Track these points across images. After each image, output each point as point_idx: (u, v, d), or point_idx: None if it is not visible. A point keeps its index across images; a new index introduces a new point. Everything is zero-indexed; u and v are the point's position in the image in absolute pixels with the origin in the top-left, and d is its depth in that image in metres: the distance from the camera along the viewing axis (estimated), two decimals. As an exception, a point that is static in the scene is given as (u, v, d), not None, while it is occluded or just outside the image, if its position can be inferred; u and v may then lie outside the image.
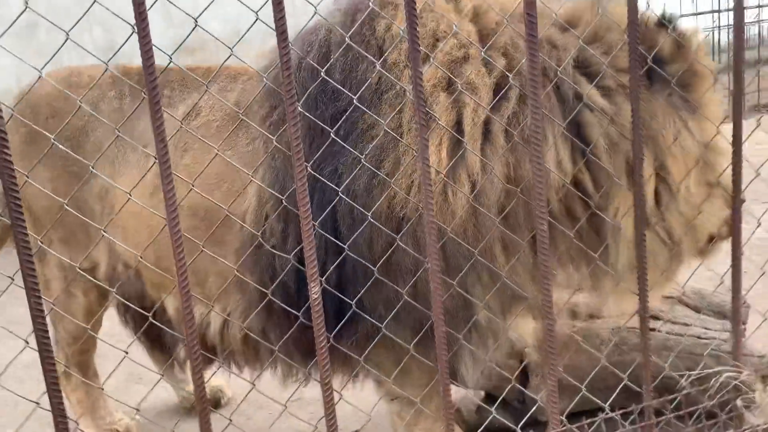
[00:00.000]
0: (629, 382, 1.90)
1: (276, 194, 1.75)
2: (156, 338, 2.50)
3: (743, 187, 1.84)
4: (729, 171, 1.81)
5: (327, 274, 1.70)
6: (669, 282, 1.91)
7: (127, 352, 1.73)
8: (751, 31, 11.57)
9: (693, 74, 1.73)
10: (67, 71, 2.35)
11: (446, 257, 1.63)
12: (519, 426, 1.89)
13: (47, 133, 1.74)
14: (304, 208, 1.40)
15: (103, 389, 2.66)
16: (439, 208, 1.60)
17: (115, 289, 2.10)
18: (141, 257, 1.75)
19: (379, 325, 1.71)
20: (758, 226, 2.09)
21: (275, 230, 1.85)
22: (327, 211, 1.71)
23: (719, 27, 9.28)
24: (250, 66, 1.97)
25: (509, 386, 2.04)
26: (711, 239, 1.86)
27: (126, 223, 2.13)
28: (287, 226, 1.82)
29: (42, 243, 2.12)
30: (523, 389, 2.20)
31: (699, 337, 2.16)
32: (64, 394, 2.61)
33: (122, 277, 2.25)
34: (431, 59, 1.64)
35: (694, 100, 1.73)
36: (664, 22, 1.68)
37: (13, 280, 1.41)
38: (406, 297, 1.66)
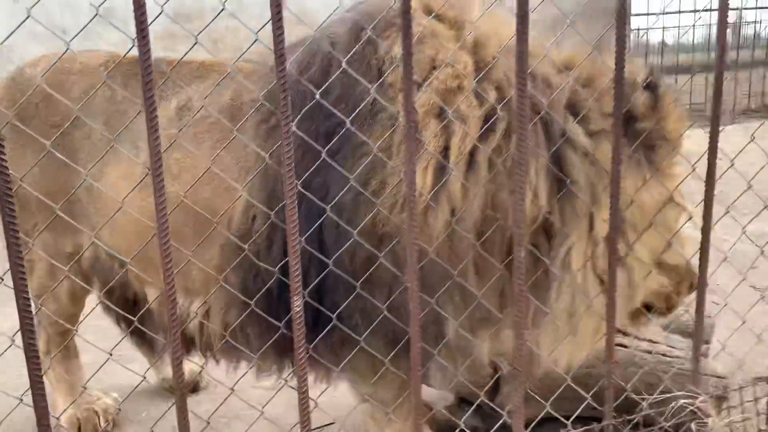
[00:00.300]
0: (595, 396, 2.00)
1: (262, 207, 1.82)
2: (138, 330, 2.44)
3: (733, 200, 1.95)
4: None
5: (310, 286, 1.77)
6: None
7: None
8: (747, 31, 11.60)
9: (659, 137, 1.80)
10: (62, 57, 2.22)
11: (422, 275, 1.69)
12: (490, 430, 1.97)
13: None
14: (292, 225, 1.45)
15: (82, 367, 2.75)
16: (419, 228, 1.65)
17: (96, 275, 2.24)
18: (130, 263, 1.80)
19: (356, 337, 1.79)
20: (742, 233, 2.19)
21: (261, 233, 1.89)
22: (313, 222, 1.77)
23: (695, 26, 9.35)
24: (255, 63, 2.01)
25: (482, 393, 2.13)
26: (648, 308, 1.95)
27: (111, 213, 2.08)
28: (273, 230, 1.86)
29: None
30: (493, 398, 2.29)
31: (664, 355, 2.26)
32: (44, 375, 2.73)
33: (106, 266, 2.28)
34: (425, 86, 1.69)
35: (656, 163, 1.80)
36: (643, 81, 1.75)
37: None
38: (384, 312, 1.74)
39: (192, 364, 2.93)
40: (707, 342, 2.39)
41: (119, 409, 2.75)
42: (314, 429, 2.46)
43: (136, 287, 2.32)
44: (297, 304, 1.49)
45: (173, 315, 1.40)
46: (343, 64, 1.59)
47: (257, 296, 1.87)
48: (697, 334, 1.93)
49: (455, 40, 1.79)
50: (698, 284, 1.96)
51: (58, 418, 2.64)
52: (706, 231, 1.90)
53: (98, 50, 2.46)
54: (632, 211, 1.77)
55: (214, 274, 1.92)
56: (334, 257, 1.75)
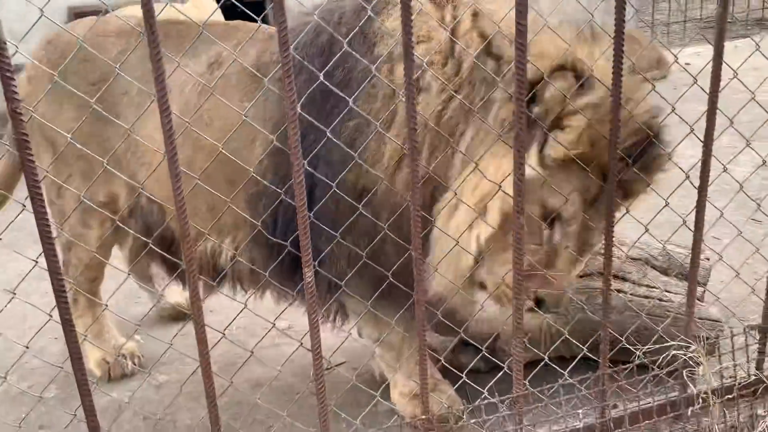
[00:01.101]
0: (592, 347, 2.10)
1: (269, 186, 2.02)
2: (172, 266, 2.67)
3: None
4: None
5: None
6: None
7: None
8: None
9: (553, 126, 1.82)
10: (101, 20, 2.48)
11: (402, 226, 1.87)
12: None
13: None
14: (300, 202, 1.48)
15: (107, 306, 2.89)
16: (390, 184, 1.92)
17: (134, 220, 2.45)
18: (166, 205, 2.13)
19: (336, 280, 2.06)
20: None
21: (273, 182, 2.06)
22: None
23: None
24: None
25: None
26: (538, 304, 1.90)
27: (151, 160, 2.33)
28: (284, 178, 2.05)
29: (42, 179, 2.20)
30: (494, 340, 2.39)
31: (660, 300, 2.33)
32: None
33: (146, 210, 2.46)
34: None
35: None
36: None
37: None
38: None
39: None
40: (704, 285, 2.46)
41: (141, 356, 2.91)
42: (327, 368, 2.60)
43: (172, 228, 2.47)
44: (309, 274, 1.55)
45: (187, 236, 1.51)
46: (345, 45, 1.74)
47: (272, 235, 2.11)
48: (692, 279, 1.98)
49: (439, 20, 1.91)
50: (695, 224, 2.00)
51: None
52: (706, 160, 1.91)
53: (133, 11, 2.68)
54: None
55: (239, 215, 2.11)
56: (322, 206, 1.98)
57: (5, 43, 1.26)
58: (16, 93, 1.28)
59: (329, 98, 1.94)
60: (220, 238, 2.33)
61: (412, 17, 1.45)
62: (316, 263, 2.05)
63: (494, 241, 1.81)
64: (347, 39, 1.79)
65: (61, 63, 2.30)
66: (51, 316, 1.60)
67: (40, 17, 1.50)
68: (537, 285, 1.80)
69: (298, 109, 1.47)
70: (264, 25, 2.26)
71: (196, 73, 2.23)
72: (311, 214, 1.90)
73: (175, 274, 2.60)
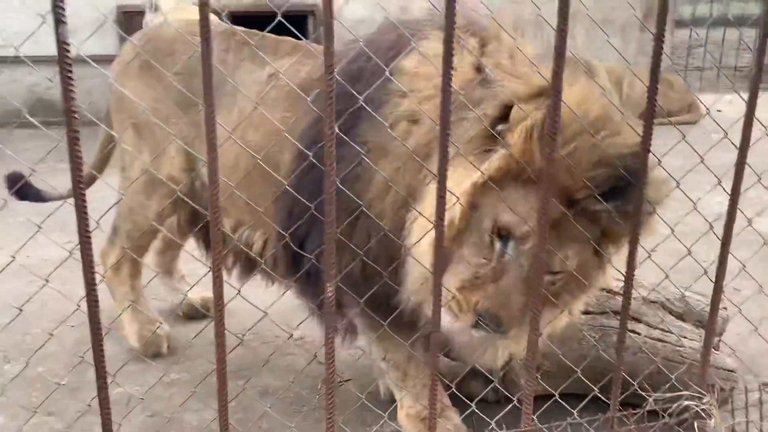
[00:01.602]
0: (603, 387, 2.10)
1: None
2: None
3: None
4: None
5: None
6: None
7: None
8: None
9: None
10: (189, 21, 2.83)
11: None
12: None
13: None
14: (329, 219, 1.51)
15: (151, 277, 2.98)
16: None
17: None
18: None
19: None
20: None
21: (293, 184, 2.18)
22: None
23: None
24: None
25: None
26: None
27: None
28: (302, 180, 2.17)
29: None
30: (504, 370, 2.40)
31: (674, 345, 2.32)
32: (110, 287, 3.06)
33: (198, 194, 2.73)
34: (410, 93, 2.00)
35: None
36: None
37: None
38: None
39: (209, 293, 3.23)
40: (720, 335, 2.44)
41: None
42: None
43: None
44: (330, 290, 1.58)
45: (217, 241, 1.55)
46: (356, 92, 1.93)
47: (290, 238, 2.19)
48: (709, 332, 1.98)
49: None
50: (716, 274, 1.99)
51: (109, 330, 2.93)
52: (732, 205, 1.89)
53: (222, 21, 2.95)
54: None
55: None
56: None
57: (68, 44, 1.32)
58: (73, 93, 1.34)
59: (345, 122, 2.02)
60: (253, 229, 2.54)
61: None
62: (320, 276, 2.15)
63: (447, 250, 1.82)
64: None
65: (151, 52, 2.71)
66: (79, 306, 1.64)
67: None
68: (479, 299, 1.78)
69: (336, 129, 1.51)
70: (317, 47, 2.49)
71: (258, 82, 2.53)
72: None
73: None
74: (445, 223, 1.73)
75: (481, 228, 1.80)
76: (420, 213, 1.85)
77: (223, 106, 2.50)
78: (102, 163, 3.14)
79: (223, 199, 2.41)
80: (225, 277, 3.10)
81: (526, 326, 1.84)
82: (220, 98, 2.51)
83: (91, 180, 3.11)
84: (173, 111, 2.68)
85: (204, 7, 1.37)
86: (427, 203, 1.86)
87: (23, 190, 3.02)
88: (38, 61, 2.95)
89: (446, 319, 1.80)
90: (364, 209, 1.98)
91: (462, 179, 1.80)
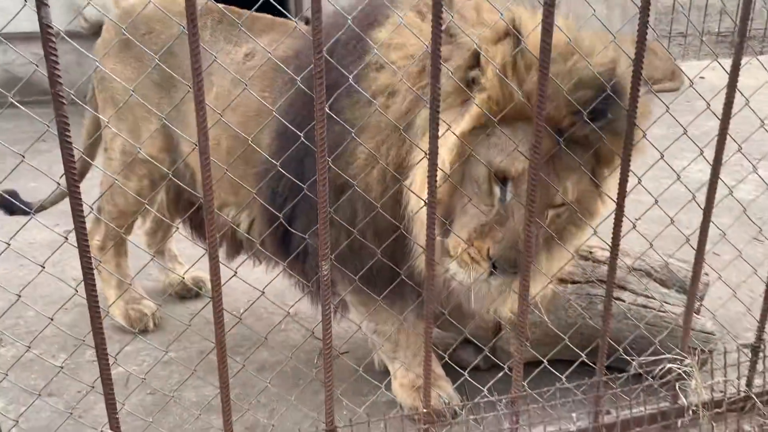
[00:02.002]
0: (589, 352, 2.17)
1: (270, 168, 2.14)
2: (198, 227, 3.07)
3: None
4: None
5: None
6: None
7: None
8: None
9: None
10: None
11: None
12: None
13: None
14: (322, 200, 1.54)
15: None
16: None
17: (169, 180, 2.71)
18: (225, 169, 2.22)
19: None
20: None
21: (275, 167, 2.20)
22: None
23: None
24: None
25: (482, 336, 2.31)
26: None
27: (193, 132, 2.40)
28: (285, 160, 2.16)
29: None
30: (494, 339, 2.46)
31: (658, 311, 2.40)
32: (95, 268, 3.05)
33: (181, 173, 2.72)
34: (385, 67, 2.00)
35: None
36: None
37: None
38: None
39: (200, 272, 3.38)
40: (701, 299, 2.52)
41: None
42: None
43: (200, 195, 2.62)
44: (325, 268, 1.62)
45: (211, 221, 1.59)
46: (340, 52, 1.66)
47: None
48: (691, 297, 2.05)
49: (418, 28, 2.02)
50: (698, 243, 2.06)
51: (107, 312, 3.04)
52: (714, 175, 1.94)
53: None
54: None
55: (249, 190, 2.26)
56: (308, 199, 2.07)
57: (52, 27, 1.32)
58: (59, 77, 1.35)
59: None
60: (238, 210, 2.54)
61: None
62: (310, 254, 2.22)
63: (451, 206, 1.88)
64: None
65: (130, 31, 2.62)
66: (77, 291, 1.66)
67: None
68: (490, 246, 1.81)
69: (326, 108, 1.53)
70: (299, 24, 2.47)
71: (234, 62, 2.51)
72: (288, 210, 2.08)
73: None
74: (439, 180, 1.76)
75: (477, 177, 1.83)
76: (410, 190, 1.89)
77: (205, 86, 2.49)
78: (92, 149, 3.12)
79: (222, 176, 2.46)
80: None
81: (538, 265, 1.91)
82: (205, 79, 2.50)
83: (85, 169, 3.10)
84: (152, 90, 2.66)
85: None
86: (418, 171, 1.87)
87: (10, 204, 2.97)
88: (11, 38, 2.87)
89: (461, 274, 1.85)
90: (350, 184, 1.99)
91: (447, 134, 1.82)
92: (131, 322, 3.02)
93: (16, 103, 1.57)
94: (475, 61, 1.85)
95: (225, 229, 2.66)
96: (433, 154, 1.64)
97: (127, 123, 2.78)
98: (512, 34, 1.78)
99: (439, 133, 1.69)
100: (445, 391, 2.38)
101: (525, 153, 1.77)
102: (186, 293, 3.35)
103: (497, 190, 1.84)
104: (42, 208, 3.14)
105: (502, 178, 1.82)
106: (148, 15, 2.69)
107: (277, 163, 1.95)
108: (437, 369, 2.46)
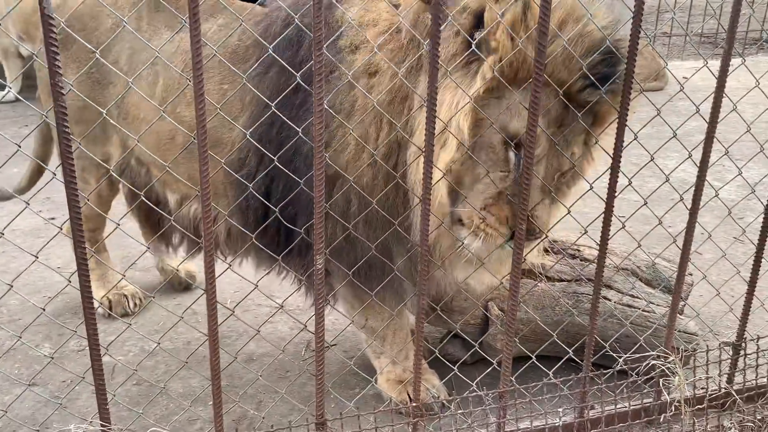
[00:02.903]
0: (575, 349, 2.21)
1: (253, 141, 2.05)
2: (155, 224, 3.01)
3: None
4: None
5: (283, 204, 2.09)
6: None
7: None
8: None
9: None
10: None
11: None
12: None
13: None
14: (318, 194, 1.55)
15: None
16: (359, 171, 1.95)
17: (124, 179, 2.64)
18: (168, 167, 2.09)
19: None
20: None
21: (251, 160, 2.18)
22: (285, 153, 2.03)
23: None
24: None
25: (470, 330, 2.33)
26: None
27: (139, 127, 2.46)
28: (260, 159, 2.16)
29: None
30: (481, 334, 2.49)
31: (643, 310, 2.44)
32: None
33: (134, 171, 2.65)
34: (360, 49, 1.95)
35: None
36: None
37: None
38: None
39: (190, 264, 3.35)
40: (685, 299, 2.58)
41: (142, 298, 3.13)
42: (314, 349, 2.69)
43: (158, 190, 2.65)
44: (319, 262, 1.62)
45: (208, 221, 1.56)
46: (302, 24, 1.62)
47: (250, 209, 2.21)
48: (676, 295, 2.09)
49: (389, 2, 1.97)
50: (683, 246, 2.10)
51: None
52: (701, 178, 1.97)
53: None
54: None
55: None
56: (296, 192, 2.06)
57: (53, 18, 1.30)
58: (59, 68, 1.33)
59: (299, 91, 2.00)
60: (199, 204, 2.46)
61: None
62: (303, 247, 2.17)
63: (463, 174, 1.82)
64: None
65: (64, 30, 2.39)
66: (70, 281, 1.65)
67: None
68: (508, 212, 1.79)
69: (324, 105, 1.53)
70: (250, 5, 2.35)
71: (181, 50, 2.34)
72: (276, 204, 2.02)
73: (156, 235, 2.81)
74: (454, 146, 1.73)
75: (491, 142, 1.77)
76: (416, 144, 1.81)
77: (142, 78, 2.37)
78: (47, 147, 3.06)
79: (162, 174, 2.43)
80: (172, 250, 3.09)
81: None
82: (137, 69, 2.37)
83: (41, 171, 3.09)
84: (94, 91, 2.53)
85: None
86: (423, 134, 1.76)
87: None
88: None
89: (477, 243, 1.81)
90: (340, 173, 1.94)
91: (458, 99, 1.76)
92: (111, 306, 3.04)
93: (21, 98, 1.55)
94: (478, 21, 1.77)
95: (185, 224, 2.59)
96: (428, 152, 1.64)
97: (77, 129, 2.62)
98: None
99: (451, 98, 1.66)
100: (432, 384, 2.40)
101: (543, 116, 1.71)
102: (177, 284, 3.34)
103: (512, 155, 1.77)
104: (22, 190, 3.14)
105: (516, 144, 1.76)
106: (80, 11, 2.52)
107: (275, 158, 1.89)
108: (423, 362, 2.48)
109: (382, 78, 1.93)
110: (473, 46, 1.75)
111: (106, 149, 2.68)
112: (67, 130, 1.39)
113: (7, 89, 6.87)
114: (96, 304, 2.97)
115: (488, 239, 1.82)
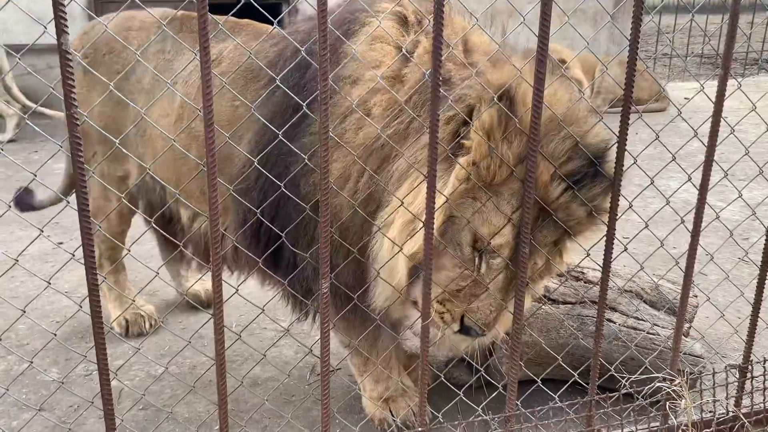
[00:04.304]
0: (581, 372, 2.21)
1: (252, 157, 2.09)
2: (171, 240, 2.99)
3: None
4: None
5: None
6: None
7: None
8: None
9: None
10: (125, 16, 2.76)
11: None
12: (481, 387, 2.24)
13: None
14: (324, 219, 1.57)
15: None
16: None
17: (141, 196, 2.76)
18: (178, 193, 2.27)
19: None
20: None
21: (251, 177, 2.19)
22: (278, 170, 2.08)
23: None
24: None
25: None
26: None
27: (155, 144, 2.57)
28: (260, 178, 2.15)
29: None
30: (487, 358, 2.49)
31: (647, 333, 2.44)
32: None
33: (149, 188, 2.75)
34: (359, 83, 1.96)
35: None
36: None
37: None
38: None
39: (209, 283, 3.35)
40: (690, 321, 2.57)
41: (157, 319, 3.19)
42: (319, 374, 2.69)
43: (172, 206, 2.71)
44: (324, 286, 1.64)
45: (216, 240, 1.56)
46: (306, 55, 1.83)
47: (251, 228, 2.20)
48: (680, 319, 2.09)
49: (396, 43, 1.99)
50: (686, 269, 2.10)
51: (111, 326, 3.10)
52: (701, 201, 1.98)
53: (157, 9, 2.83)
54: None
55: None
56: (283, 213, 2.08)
57: (70, 53, 1.34)
58: (74, 100, 1.37)
59: (297, 112, 1.97)
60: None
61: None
62: (290, 268, 2.16)
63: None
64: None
65: (91, 53, 2.68)
66: (81, 307, 1.67)
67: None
68: (464, 311, 1.80)
69: (329, 132, 1.56)
70: (269, 27, 2.42)
71: (197, 70, 2.42)
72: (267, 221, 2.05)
73: (174, 253, 2.92)
74: (422, 238, 1.68)
75: (459, 241, 1.78)
76: (395, 218, 1.81)
77: (164, 96, 2.49)
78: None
79: (177, 189, 2.50)
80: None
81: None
82: (159, 88, 2.51)
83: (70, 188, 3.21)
84: (116, 111, 2.65)
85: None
86: (398, 218, 1.79)
87: (26, 200, 3.20)
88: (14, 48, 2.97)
89: (431, 331, 1.80)
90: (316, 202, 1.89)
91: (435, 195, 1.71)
92: (125, 328, 3.09)
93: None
94: (469, 115, 1.78)
95: (197, 239, 2.64)
96: (431, 168, 1.62)
97: (100, 148, 2.80)
98: (505, 97, 1.72)
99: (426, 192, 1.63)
100: (413, 401, 2.39)
101: (513, 224, 1.73)
102: (199, 304, 3.39)
103: (478, 257, 1.79)
104: (42, 206, 3.29)
105: (483, 248, 1.77)
106: (107, 35, 2.67)
107: (269, 174, 1.91)
108: (405, 380, 2.47)
109: (372, 121, 1.91)
110: (455, 143, 1.77)
111: (126, 167, 2.80)
112: (81, 159, 1.42)
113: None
114: (113, 324, 3.12)
115: (438, 329, 1.86)
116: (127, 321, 3.10)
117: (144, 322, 3.12)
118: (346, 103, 1.93)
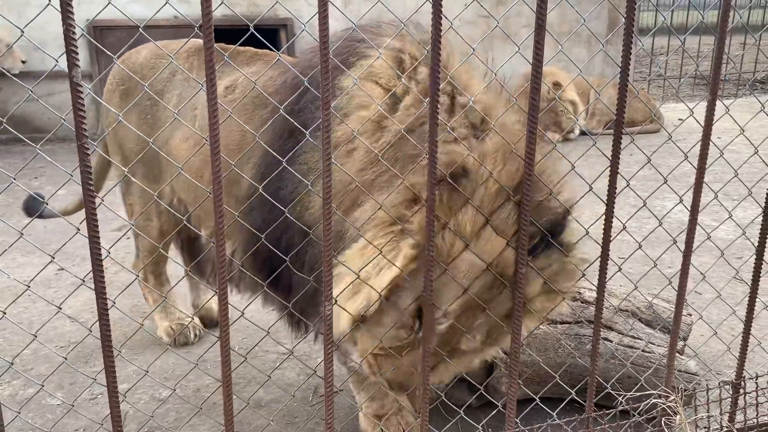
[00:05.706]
0: (578, 390, 2.25)
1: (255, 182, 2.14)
2: (194, 257, 3.24)
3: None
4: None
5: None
6: None
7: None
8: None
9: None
10: (158, 45, 2.92)
11: None
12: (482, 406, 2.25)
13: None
14: (327, 241, 1.63)
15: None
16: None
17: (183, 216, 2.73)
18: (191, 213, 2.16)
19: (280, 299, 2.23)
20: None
21: (254, 201, 2.21)
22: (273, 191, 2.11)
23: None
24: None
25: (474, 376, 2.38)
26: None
27: (175, 168, 2.65)
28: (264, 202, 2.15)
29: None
30: (486, 377, 2.53)
31: (643, 351, 2.49)
32: (144, 296, 3.44)
33: (175, 208, 2.91)
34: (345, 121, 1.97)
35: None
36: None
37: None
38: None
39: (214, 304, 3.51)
40: (684, 339, 2.62)
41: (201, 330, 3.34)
42: (322, 395, 2.73)
43: (194, 226, 2.83)
44: (328, 308, 1.69)
45: (222, 265, 1.60)
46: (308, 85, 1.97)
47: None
48: (674, 336, 2.14)
49: (386, 84, 2.00)
50: (678, 288, 2.16)
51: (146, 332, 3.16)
52: (692, 222, 2.04)
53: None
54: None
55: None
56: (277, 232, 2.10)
57: (81, 86, 1.41)
58: (85, 131, 1.44)
59: (292, 136, 2.09)
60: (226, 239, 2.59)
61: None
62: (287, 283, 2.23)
63: (368, 315, 1.79)
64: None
65: (128, 80, 2.90)
66: (90, 331, 1.72)
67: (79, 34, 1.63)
68: (388, 369, 1.84)
69: (332, 160, 1.62)
70: (283, 56, 2.50)
71: (220, 94, 2.51)
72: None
73: (189, 267, 3.08)
74: (365, 300, 1.71)
75: (402, 305, 1.79)
76: (348, 266, 1.78)
77: (188, 121, 2.64)
78: (97, 184, 3.31)
79: (195, 208, 2.65)
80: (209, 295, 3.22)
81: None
82: (185, 114, 2.66)
83: (79, 206, 3.35)
84: (151, 133, 2.80)
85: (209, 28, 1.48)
86: (356, 257, 1.77)
87: (37, 207, 3.36)
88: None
89: (361, 370, 1.93)
90: (304, 229, 1.98)
91: (386, 268, 1.72)
92: (173, 338, 3.25)
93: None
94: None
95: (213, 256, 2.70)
96: (432, 158, 1.66)
97: (139, 168, 2.95)
98: (456, 175, 1.70)
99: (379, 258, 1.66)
100: (406, 422, 2.42)
101: (454, 305, 1.74)
102: (209, 320, 3.51)
103: (418, 325, 1.81)
104: (66, 212, 3.44)
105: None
106: (140, 63, 2.90)
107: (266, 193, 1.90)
108: (402, 399, 2.50)
109: (351, 162, 1.91)
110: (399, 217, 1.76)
111: (159, 186, 2.93)
112: (91, 188, 1.49)
113: None
114: (161, 333, 3.28)
115: (368, 374, 1.93)
116: (173, 330, 3.25)
117: (189, 332, 3.27)
118: (335, 136, 1.94)
